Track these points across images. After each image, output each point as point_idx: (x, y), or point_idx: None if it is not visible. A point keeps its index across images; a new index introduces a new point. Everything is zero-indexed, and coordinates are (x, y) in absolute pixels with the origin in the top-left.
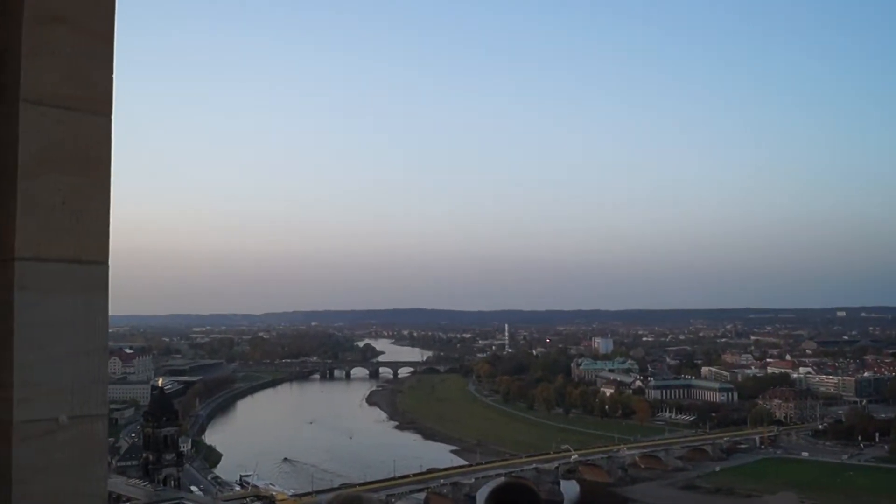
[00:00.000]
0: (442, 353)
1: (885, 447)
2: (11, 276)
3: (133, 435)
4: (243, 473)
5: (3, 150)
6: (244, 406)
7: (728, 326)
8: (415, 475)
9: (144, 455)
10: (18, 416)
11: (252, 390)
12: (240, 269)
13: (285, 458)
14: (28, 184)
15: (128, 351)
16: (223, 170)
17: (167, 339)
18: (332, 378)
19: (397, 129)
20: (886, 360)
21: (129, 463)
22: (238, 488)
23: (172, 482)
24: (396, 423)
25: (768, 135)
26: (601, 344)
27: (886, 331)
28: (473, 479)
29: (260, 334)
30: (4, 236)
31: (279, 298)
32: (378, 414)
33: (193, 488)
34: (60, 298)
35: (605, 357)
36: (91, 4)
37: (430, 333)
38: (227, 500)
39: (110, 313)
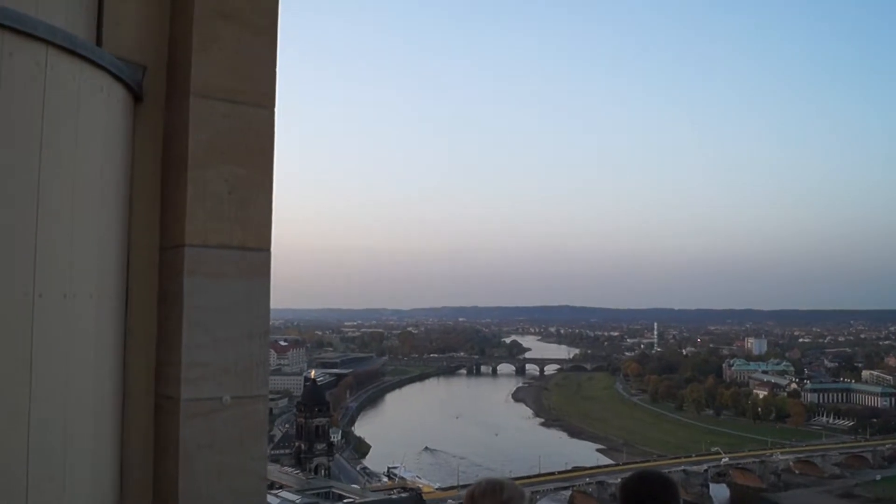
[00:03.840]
0: (589, 351)
1: None
2: (182, 262)
3: (286, 424)
4: (391, 465)
5: (174, 142)
6: (392, 399)
7: (892, 328)
8: (560, 473)
9: (297, 444)
10: (185, 394)
11: (400, 384)
12: (390, 265)
13: (426, 447)
14: (197, 174)
15: (282, 343)
16: (376, 166)
17: (320, 333)
18: (478, 374)
19: (551, 122)
20: None
21: (282, 451)
22: (385, 480)
23: (323, 471)
24: (542, 420)
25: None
26: (754, 344)
27: None
28: (619, 479)
29: (409, 329)
30: (175, 224)
31: (428, 294)
32: (524, 410)
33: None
34: (226, 284)
35: (759, 358)
36: (256, 1)
37: (577, 331)
38: (375, 491)
39: None
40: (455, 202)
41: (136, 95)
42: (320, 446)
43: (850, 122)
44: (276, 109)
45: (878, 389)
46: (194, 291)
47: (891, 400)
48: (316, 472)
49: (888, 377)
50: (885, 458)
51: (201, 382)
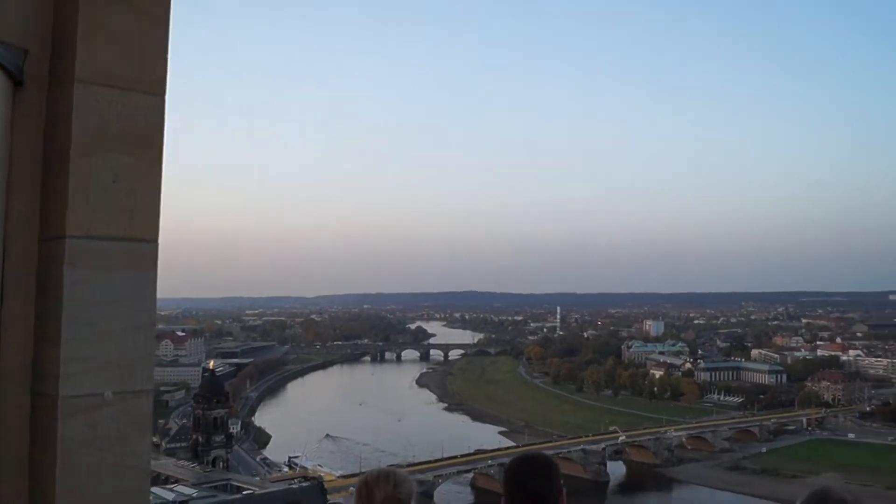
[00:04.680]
0: (493, 336)
1: None
2: (62, 253)
3: (183, 417)
4: (292, 455)
5: (57, 130)
6: (295, 388)
7: (779, 309)
8: (462, 456)
9: (194, 437)
10: (64, 391)
11: (303, 372)
12: (293, 253)
13: (327, 435)
14: (81, 163)
15: (180, 334)
16: (279, 153)
17: (219, 322)
18: (382, 360)
19: (456, 110)
20: None
21: (178, 445)
22: (286, 469)
23: (221, 463)
24: (446, 405)
25: (811, 115)
26: (652, 326)
27: None
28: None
29: (312, 317)
30: (56, 214)
31: (332, 281)
32: (428, 396)
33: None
34: (109, 276)
35: (656, 340)
36: None
37: (481, 316)
38: (275, 482)
39: (162, 296)
40: (361, 189)
41: (16, 80)
42: (218, 438)
43: (739, 110)
44: (168, 98)
45: (766, 367)
46: (75, 284)
47: (777, 377)
48: (214, 465)
49: (775, 356)
50: (770, 433)
51: (81, 378)
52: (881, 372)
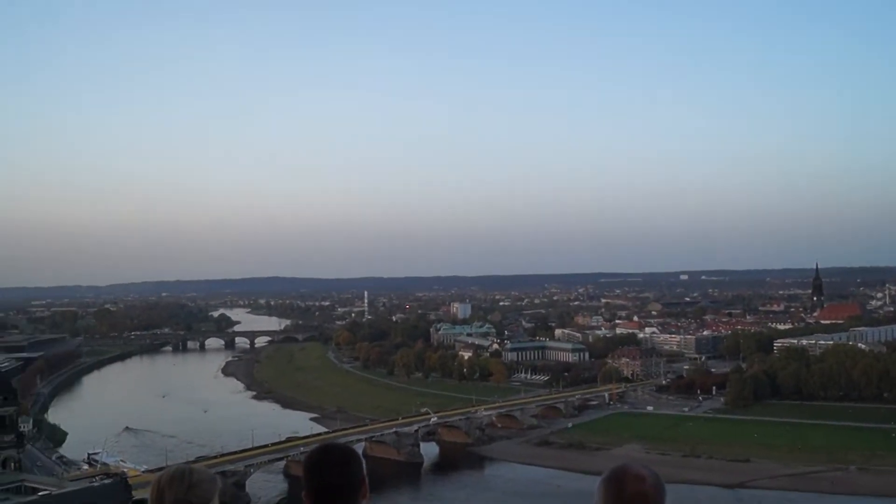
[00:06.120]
0: (300, 322)
1: (721, 399)
2: None
3: None
4: (91, 451)
5: None
6: (91, 382)
7: (580, 290)
8: (273, 444)
9: None
10: None
11: (99, 365)
12: (84, 239)
13: (127, 427)
14: None
15: None
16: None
17: (2, 314)
18: (185, 350)
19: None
20: (723, 320)
21: None
22: (86, 467)
23: (13, 464)
24: (254, 394)
25: (623, 109)
26: (460, 309)
27: (724, 292)
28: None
29: (107, 306)
30: None
31: (127, 269)
32: (234, 385)
33: None
34: None
35: (464, 322)
36: None
37: (288, 302)
38: (75, 480)
39: None
40: (155, 171)
41: None
42: (7, 438)
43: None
44: None
45: (570, 346)
46: None
47: (580, 355)
48: (4, 467)
49: (577, 334)
50: (575, 408)
51: None
52: (674, 347)
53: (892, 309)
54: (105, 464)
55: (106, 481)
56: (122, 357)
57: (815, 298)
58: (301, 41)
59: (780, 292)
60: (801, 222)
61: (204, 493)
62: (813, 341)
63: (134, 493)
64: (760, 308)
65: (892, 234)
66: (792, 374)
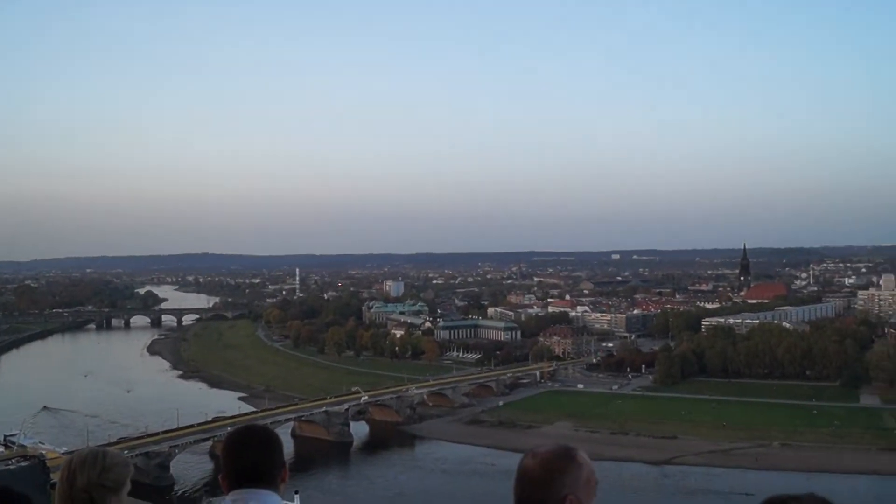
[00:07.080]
0: (230, 299)
1: (650, 377)
2: None
3: None
4: (7, 433)
5: None
6: (9, 360)
7: (513, 269)
8: (199, 424)
9: None
10: None
11: (17, 343)
12: (1, 214)
13: (45, 407)
14: None
15: None
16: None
17: None
18: (109, 328)
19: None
20: (653, 299)
21: None
22: (2, 449)
23: None
24: (180, 373)
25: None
26: (392, 287)
27: (654, 272)
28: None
29: (27, 282)
30: None
31: (50, 244)
32: (160, 363)
33: None
34: None
35: (397, 300)
36: None
37: (217, 279)
38: None
39: None
40: (80, 145)
41: None
42: None
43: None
44: None
45: (502, 324)
46: None
47: (512, 333)
48: None
49: (510, 313)
50: (507, 386)
51: None
52: (605, 326)
53: (815, 289)
54: (22, 445)
55: (23, 464)
56: (42, 335)
57: (742, 278)
58: None
59: (709, 272)
60: (729, 203)
61: (117, 477)
62: (739, 320)
63: (52, 475)
64: (689, 287)
65: (817, 216)
66: (719, 353)
